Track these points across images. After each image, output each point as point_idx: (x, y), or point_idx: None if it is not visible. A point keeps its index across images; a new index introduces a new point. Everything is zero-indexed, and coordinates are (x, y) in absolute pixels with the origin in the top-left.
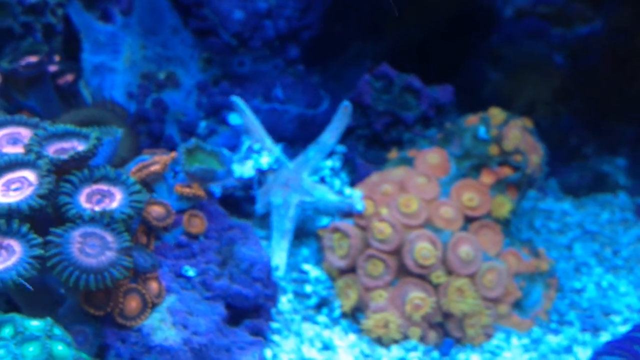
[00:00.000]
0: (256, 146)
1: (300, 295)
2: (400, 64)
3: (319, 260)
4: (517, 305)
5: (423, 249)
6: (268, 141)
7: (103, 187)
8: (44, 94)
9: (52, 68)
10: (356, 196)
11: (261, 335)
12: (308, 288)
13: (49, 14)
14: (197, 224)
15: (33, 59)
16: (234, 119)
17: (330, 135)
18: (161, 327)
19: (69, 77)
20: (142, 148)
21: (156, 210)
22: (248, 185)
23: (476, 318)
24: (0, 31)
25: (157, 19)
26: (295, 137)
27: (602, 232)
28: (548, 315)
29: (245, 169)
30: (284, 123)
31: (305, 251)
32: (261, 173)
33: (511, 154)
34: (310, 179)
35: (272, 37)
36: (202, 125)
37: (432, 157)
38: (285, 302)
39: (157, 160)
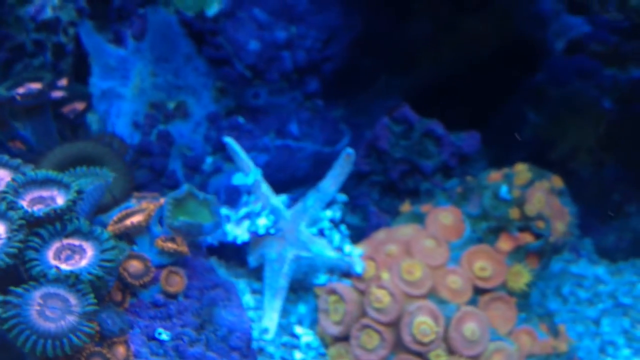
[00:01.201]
0: (257, 208)
1: None
2: (433, 101)
3: (316, 320)
4: None
5: (423, 324)
6: (265, 187)
7: (75, 242)
8: (42, 124)
9: (57, 94)
10: (356, 256)
11: None
12: (298, 355)
13: (61, 33)
14: (176, 282)
15: (34, 86)
16: (237, 179)
17: (330, 183)
18: None
19: (78, 106)
20: (142, 183)
21: (134, 266)
22: None
23: None
24: (13, 47)
25: (170, 45)
26: (308, 176)
27: (636, 306)
28: None
29: (239, 232)
30: (297, 161)
31: (302, 308)
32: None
33: (533, 220)
34: (308, 232)
35: (289, 69)
36: (209, 161)
37: (445, 217)
38: None
39: (140, 209)
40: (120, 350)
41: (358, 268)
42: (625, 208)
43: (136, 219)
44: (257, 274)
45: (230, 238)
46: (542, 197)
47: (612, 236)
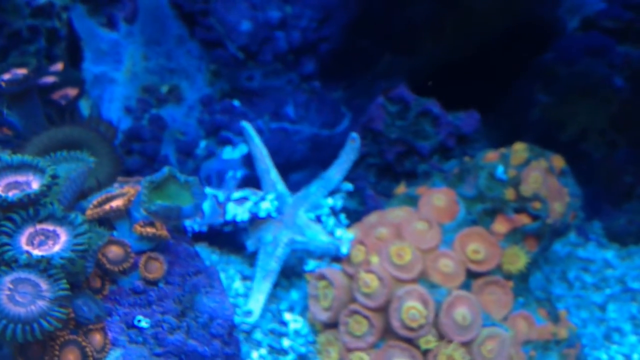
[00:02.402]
0: (253, 198)
1: (275, 351)
2: (437, 83)
3: (307, 307)
4: None
5: (412, 309)
6: (274, 173)
7: (49, 227)
8: (29, 110)
9: (48, 80)
10: (344, 238)
11: None
12: (286, 342)
13: (55, 18)
14: (155, 268)
15: (20, 72)
16: (227, 153)
17: (336, 171)
18: None
19: (70, 92)
20: (134, 169)
21: (113, 252)
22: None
23: None
24: (10, 34)
25: (161, 27)
26: (306, 160)
27: None
28: None
29: (240, 211)
30: (293, 144)
31: (294, 295)
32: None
33: (529, 201)
34: (306, 217)
35: (284, 50)
36: (202, 145)
37: (437, 199)
38: (256, 357)
39: (121, 194)
40: (97, 337)
41: (344, 249)
42: (637, 190)
43: (115, 203)
44: (250, 260)
45: (229, 217)
46: (539, 176)
47: (623, 219)
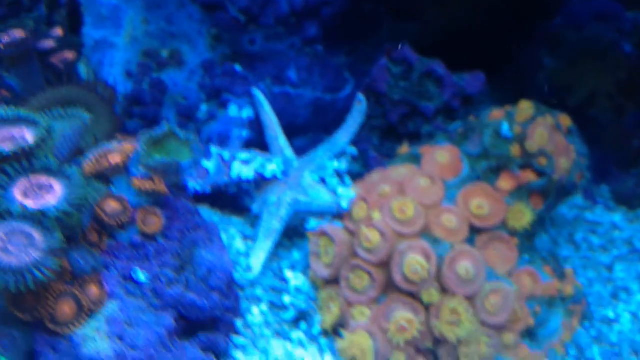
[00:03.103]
0: (260, 159)
1: (276, 307)
2: (443, 48)
3: (309, 266)
4: (529, 334)
5: (414, 263)
6: (282, 140)
7: (44, 179)
8: (28, 72)
9: (47, 44)
10: (346, 195)
11: (217, 352)
12: (286, 299)
13: None
14: (153, 222)
15: (18, 34)
16: (232, 110)
17: (343, 134)
18: (94, 338)
19: (68, 56)
20: (135, 133)
21: (111, 206)
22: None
23: (473, 347)
24: (11, 2)
25: None
26: (309, 125)
27: None
28: (565, 349)
29: (245, 170)
30: (296, 108)
31: (296, 255)
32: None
33: (535, 157)
34: (311, 178)
35: (286, 13)
36: (203, 109)
37: (441, 156)
38: (257, 313)
39: (119, 150)
40: (93, 289)
41: (344, 203)
42: None
43: (114, 158)
44: (253, 222)
45: (234, 175)
46: (545, 132)
47: (631, 182)
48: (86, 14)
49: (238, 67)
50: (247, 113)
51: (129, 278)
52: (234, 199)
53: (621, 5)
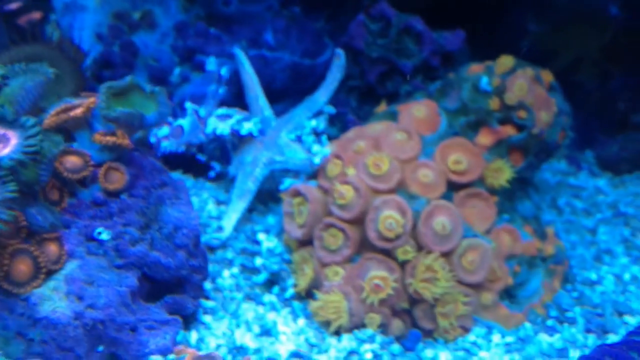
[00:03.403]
0: (237, 116)
1: (248, 270)
2: (426, 13)
3: (283, 230)
4: (509, 294)
5: (389, 218)
6: (262, 100)
7: None
8: None
9: (13, 6)
10: (319, 152)
11: (183, 314)
12: (258, 261)
13: None
14: (116, 179)
15: None
16: (210, 64)
17: (322, 93)
18: (52, 297)
19: (35, 16)
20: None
21: (71, 161)
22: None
23: (450, 306)
24: None
25: None
26: (287, 89)
27: (639, 216)
28: (546, 310)
29: (221, 126)
30: (273, 72)
31: (271, 219)
32: (237, 137)
33: (514, 109)
34: (287, 137)
35: None
36: (176, 72)
37: (418, 110)
38: (227, 276)
39: (81, 104)
40: (52, 248)
41: (316, 159)
42: (631, 118)
43: (74, 112)
44: (227, 186)
45: (209, 130)
46: (524, 84)
47: (616, 147)
48: None
49: (213, 31)
50: (225, 70)
51: (91, 237)
52: (204, 166)
53: None
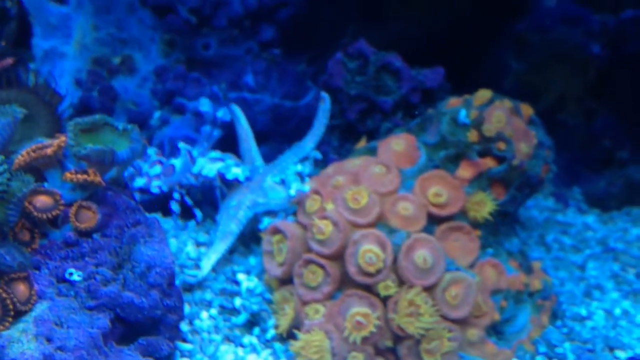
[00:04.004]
0: (229, 161)
1: (227, 311)
2: (408, 55)
3: (264, 270)
4: (496, 330)
5: (368, 252)
6: (255, 151)
7: None
8: None
9: None
10: (298, 188)
11: (159, 356)
12: (238, 302)
13: None
14: (87, 218)
15: None
16: (204, 105)
17: (309, 140)
18: (20, 339)
19: (9, 61)
20: None
21: (41, 201)
22: (203, 189)
23: (436, 342)
24: None
25: None
26: (269, 131)
27: (629, 251)
28: (535, 346)
29: (208, 167)
30: (254, 114)
31: (252, 261)
32: (225, 183)
33: (493, 141)
34: (272, 180)
35: (239, 14)
36: (156, 115)
37: (397, 144)
38: (205, 318)
39: (51, 143)
40: (21, 288)
41: (292, 191)
42: (617, 155)
43: (44, 150)
44: (207, 228)
45: (196, 170)
46: (502, 115)
47: (603, 183)
48: (35, 24)
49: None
50: (222, 113)
51: (62, 278)
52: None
53: (587, 8)
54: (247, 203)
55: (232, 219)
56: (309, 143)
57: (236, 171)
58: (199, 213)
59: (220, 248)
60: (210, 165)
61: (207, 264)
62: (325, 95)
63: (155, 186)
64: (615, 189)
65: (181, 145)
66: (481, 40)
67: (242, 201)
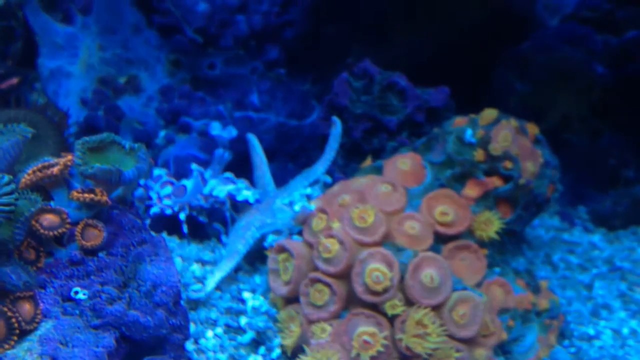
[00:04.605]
0: (241, 185)
1: (233, 330)
2: (412, 76)
3: (270, 289)
4: (503, 350)
5: (375, 271)
6: (268, 177)
7: None
8: None
9: None
10: (302, 204)
11: None
12: (244, 321)
13: (11, 17)
14: (93, 236)
15: None
16: (215, 129)
17: (320, 164)
18: (25, 358)
19: (14, 81)
20: None
21: (48, 219)
22: (213, 210)
23: None
24: None
25: (116, 15)
26: (273, 151)
27: (635, 270)
28: None
29: (219, 188)
30: (259, 133)
31: (257, 279)
32: (234, 204)
33: (500, 160)
34: (281, 202)
35: (245, 34)
36: (161, 134)
37: (403, 163)
38: (211, 337)
39: (58, 162)
40: (26, 307)
41: (296, 207)
42: (623, 174)
43: (51, 169)
44: (212, 247)
45: (206, 190)
46: (508, 134)
47: (609, 202)
48: (41, 44)
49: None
50: (229, 133)
51: (67, 296)
52: (201, 228)
53: (590, 28)
54: (255, 224)
55: (240, 238)
56: (319, 168)
57: (247, 194)
58: (185, 228)
59: (225, 267)
60: (221, 186)
61: (211, 282)
62: (336, 119)
63: (167, 206)
64: (621, 208)
65: (194, 166)
66: (485, 60)
67: (251, 222)
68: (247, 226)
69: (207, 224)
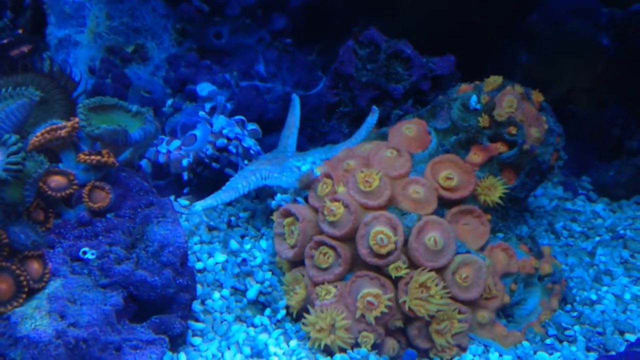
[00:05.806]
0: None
1: (239, 292)
2: (421, 47)
3: (275, 254)
4: (506, 313)
5: (380, 234)
6: (292, 140)
7: None
8: None
9: (4, 40)
10: (308, 166)
11: (171, 334)
12: (250, 283)
13: None
14: (100, 198)
15: None
16: (202, 89)
17: (344, 143)
18: (33, 316)
19: (25, 49)
20: None
21: (56, 181)
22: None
23: (446, 323)
24: None
25: None
26: (279, 119)
27: (638, 239)
28: (544, 328)
29: (229, 129)
30: (265, 103)
31: (263, 244)
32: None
33: (504, 126)
34: (293, 163)
35: (252, 3)
36: (168, 103)
37: (408, 129)
38: (218, 298)
39: (65, 125)
40: (35, 266)
41: (303, 168)
42: (626, 144)
43: (59, 131)
44: (219, 212)
45: (216, 128)
46: (513, 100)
47: (612, 172)
48: (50, 13)
49: (207, 62)
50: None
51: (76, 256)
52: (213, 181)
53: (597, 1)
54: (263, 173)
55: (243, 179)
56: (341, 147)
57: (251, 142)
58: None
59: (219, 197)
60: (230, 128)
61: (199, 205)
62: (375, 109)
63: (178, 153)
64: (624, 178)
65: (201, 113)
66: (492, 32)
67: (260, 169)
68: (254, 171)
69: (219, 170)
